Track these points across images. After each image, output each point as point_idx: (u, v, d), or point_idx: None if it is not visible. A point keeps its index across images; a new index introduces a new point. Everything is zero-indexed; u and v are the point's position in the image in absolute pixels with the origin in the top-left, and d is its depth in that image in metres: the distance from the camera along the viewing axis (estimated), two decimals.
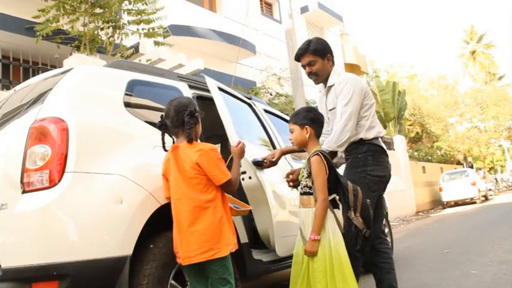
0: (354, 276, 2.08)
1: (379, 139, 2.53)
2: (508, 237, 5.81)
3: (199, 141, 2.18)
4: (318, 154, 2.18)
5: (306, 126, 2.28)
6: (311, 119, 2.30)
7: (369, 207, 2.19)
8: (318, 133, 2.32)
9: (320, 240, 2.08)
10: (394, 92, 16.24)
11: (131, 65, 2.68)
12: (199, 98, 2.91)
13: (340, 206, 2.17)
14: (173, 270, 2.10)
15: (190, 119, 2.04)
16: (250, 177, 2.70)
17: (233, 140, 2.43)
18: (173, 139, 2.16)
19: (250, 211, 2.53)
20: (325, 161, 2.16)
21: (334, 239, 2.09)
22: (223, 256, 1.94)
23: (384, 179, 2.50)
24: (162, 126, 2.12)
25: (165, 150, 2.13)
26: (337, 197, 2.19)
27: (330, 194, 2.18)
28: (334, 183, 2.20)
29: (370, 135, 2.48)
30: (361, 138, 2.47)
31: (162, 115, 2.15)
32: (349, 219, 2.12)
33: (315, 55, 2.57)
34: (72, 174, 1.85)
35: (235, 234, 2.08)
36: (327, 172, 2.16)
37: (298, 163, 3.19)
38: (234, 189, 2.11)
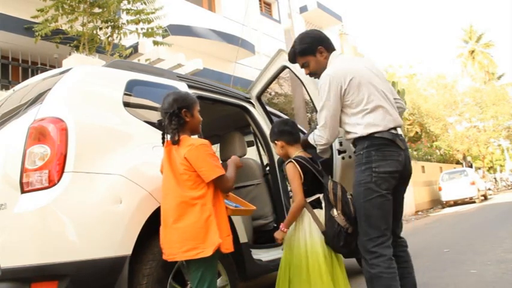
0: (329, 275, 2.19)
1: (389, 131, 2.19)
2: (508, 237, 5.81)
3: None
4: (291, 161, 2.39)
5: (275, 141, 2.56)
6: (277, 133, 2.54)
7: (350, 204, 2.22)
8: (289, 140, 2.50)
9: (296, 239, 2.30)
10: None
11: (130, 65, 2.68)
12: (198, 98, 2.91)
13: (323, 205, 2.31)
14: (172, 270, 2.09)
15: (171, 120, 1.99)
16: (350, 157, 2.76)
17: None
18: None
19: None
20: (298, 166, 2.35)
21: (310, 239, 2.26)
22: (207, 256, 1.84)
23: (395, 175, 2.17)
24: (161, 126, 2.11)
25: None
26: (321, 197, 2.35)
27: (312, 195, 2.37)
28: (311, 184, 2.36)
29: (369, 130, 2.18)
30: (360, 136, 2.21)
31: None
32: (331, 217, 2.21)
33: (304, 55, 2.41)
34: (71, 174, 1.85)
35: (231, 235, 1.99)
36: (302, 176, 2.34)
37: None
38: (227, 186, 2.03)
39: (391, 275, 2.10)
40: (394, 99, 2.40)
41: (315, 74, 2.45)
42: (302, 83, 3.09)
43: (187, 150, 1.93)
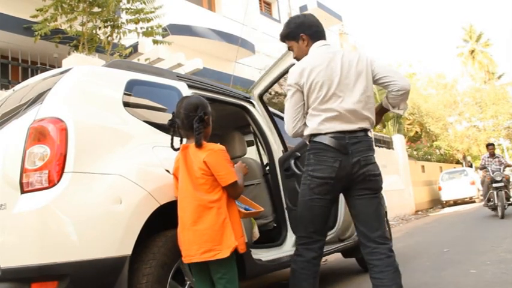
0: None
1: (328, 135, 2.12)
2: (507, 237, 5.82)
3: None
4: None
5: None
6: None
7: None
8: None
9: None
10: None
11: (130, 65, 2.67)
12: None
13: None
14: (172, 270, 2.10)
15: (199, 124, 2.04)
16: None
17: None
18: (181, 138, 2.16)
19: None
20: None
21: None
22: (225, 257, 1.91)
23: (328, 180, 2.12)
24: (172, 125, 2.14)
25: (174, 149, 2.13)
26: None
27: None
28: None
29: (312, 132, 2.18)
30: (307, 134, 2.22)
31: (173, 113, 2.16)
32: None
33: (288, 40, 2.39)
34: (71, 174, 1.85)
35: (243, 237, 2.07)
36: None
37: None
38: (239, 192, 2.09)
39: (302, 276, 2.16)
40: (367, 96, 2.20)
41: (298, 60, 2.38)
42: None
43: (206, 155, 1.98)
